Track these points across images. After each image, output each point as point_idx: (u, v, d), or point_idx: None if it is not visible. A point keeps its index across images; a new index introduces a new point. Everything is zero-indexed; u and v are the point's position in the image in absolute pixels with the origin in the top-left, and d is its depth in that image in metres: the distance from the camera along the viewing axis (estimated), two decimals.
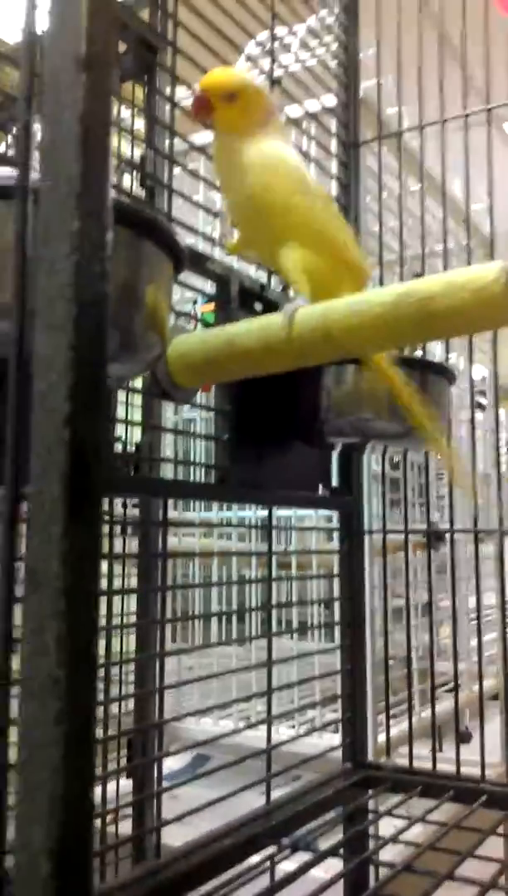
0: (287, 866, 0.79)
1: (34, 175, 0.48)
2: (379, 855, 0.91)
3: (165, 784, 0.78)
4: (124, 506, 1.16)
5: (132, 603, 0.83)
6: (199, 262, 0.74)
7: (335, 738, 1.22)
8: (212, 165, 0.75)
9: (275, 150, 0.71)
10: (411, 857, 0.78)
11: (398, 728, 1.37)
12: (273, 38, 0.89)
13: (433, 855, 0.80)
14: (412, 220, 1.17)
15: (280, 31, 1.07)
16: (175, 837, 0.80)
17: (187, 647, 1.51)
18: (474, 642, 1.88)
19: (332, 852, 0.82)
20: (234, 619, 1.78)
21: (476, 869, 0.77)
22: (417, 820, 0.88)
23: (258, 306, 0.82)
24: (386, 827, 0.89)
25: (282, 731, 1.39)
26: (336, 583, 1.06)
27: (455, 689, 1.06)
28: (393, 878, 0.78)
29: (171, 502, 1.76)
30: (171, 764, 1.79)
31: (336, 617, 1.06)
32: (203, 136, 1.20)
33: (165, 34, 0.80)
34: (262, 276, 0.87)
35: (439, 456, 0.83)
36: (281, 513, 1.60)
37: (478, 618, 1.05)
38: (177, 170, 0.82)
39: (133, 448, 0.80)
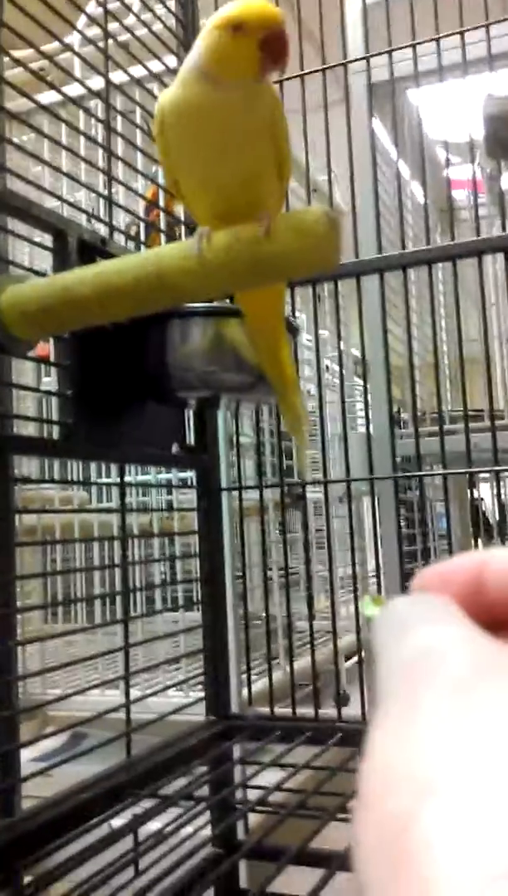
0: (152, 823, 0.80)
1: None
2: (247, 798, 0.93)
3: (39, 765, 0.78)
4: None
5: None
6: (32, 213, 0.73)
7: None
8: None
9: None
10: (262, 797, 0.81)
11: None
12: None
13: (297, 796, 0.83)
14: None
15: None
16: None
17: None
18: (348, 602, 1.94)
19: (190, 798, 0.84)
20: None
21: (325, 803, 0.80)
22: (270, 764, 0.90)
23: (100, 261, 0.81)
24: (263, 775, 0.91)
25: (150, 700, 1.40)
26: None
27: (311, 643, 1.09)
28: (240, 818, 0.80)
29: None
30: (47, 744, 1.77)
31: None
32: (49, 96, 1.17)
33: None
34: (101, 229, 0.86)
35: (286, 413, 0.81)
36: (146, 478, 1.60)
37: (330, 573, 1.09)
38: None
39: None
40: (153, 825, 0.79)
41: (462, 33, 0.93)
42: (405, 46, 0.95)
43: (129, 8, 1.20)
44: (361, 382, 2.13)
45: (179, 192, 0.69)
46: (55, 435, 0.81)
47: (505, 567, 0.22)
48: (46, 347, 1.09)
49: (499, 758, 0.14)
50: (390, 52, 0.96)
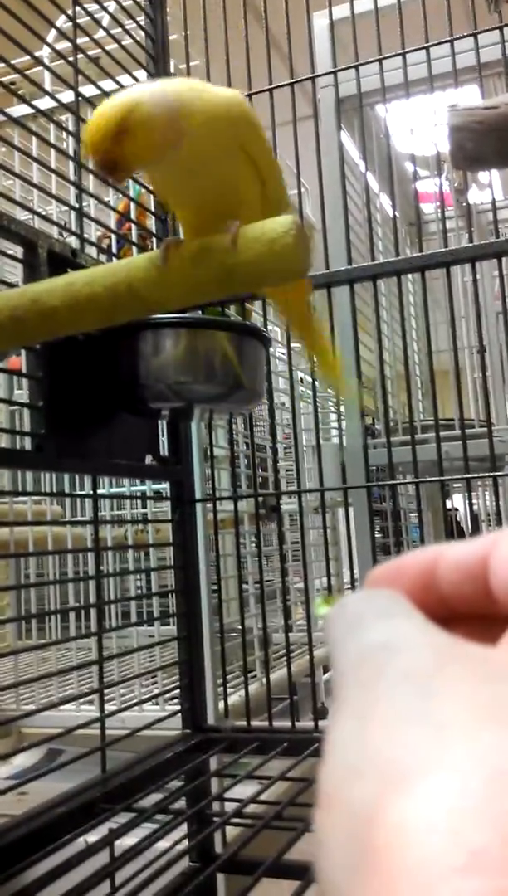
0: (128, 837, 0.79)
1: None
2: (224, 810, 0.93)
3: (13, 782, 0.77)
4: None
5: None
6: (2, 224, 0.73)
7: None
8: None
9: None
10: (238, 809, 0.81)
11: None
12: (76, 2, 0.89)
13: (274, 808, 0.83)
14: None
15: (91, 7, 1.07)
16: None
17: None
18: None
19: (166, 811, 0.83)
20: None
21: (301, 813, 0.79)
22: (247, 776, 0.90)
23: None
24: (240, 788, 0.90)
25: (126, 714, 1.39)
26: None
27: (288, 654, 1.09)
28: (216, 831, 0.80)
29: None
30: (22, 763, 1.74)
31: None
32: (19, 109, 1.18)
33: None
34: (73, 242, 0.86)
35: (326, 371, 0.85)
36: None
37: (306, 583, 1.09)
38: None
39: None
40: (129, 839, 0.78)
41: (427, 48, 0.95)
42: (372, 61, 0.96)
43: (98, 23, 1.21)
44: (334, 394, 2.14)
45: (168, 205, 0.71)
46: (27, 447, 0.81)
47: (457, 559, 0.23)
48: (18, 359, 1.09)
49: (462, 743, 0.14)
50: (357, 67, 0.97)
